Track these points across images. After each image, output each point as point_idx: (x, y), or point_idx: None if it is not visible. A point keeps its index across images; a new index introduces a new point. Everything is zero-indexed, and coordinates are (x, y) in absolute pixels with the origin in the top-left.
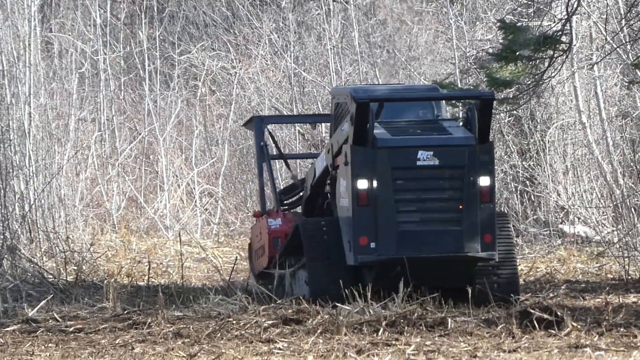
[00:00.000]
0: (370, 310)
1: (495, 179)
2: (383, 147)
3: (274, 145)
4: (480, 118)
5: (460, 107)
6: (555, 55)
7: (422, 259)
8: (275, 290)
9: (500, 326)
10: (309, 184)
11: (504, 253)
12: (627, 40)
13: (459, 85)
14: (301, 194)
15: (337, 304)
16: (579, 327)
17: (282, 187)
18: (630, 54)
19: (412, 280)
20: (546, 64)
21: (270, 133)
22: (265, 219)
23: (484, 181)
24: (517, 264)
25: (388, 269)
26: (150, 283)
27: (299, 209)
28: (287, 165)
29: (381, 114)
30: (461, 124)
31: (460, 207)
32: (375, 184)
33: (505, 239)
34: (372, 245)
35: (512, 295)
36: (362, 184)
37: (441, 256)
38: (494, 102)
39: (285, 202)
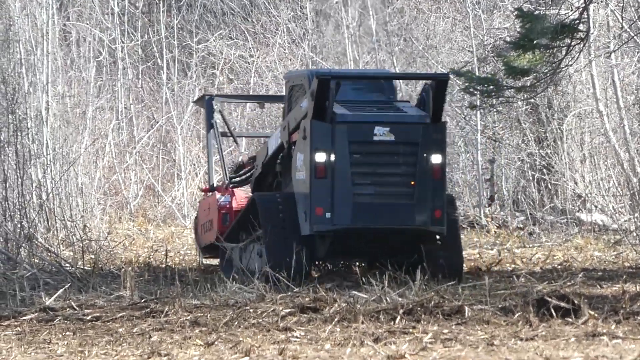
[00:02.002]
0: (387, 298)
1: (447, 157)
2: (341, 122)
3: (223, 122)
4: (435, 98)
5: (479, 96)
6: (572, 43)
7: (375, 230)
8: (223, 264)
9: (518, 314)
10: (260, 162)
11: (449, 230)
12: None
13: (477, 74)
14: (249, 174)
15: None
16: (596, 315)
17: (230, 165)
18: None
19: (364, 252)
20: (563, 53)
21: (220, 111)
22: (215, 195)
23: (436, 159)
24: (462, 244)
25: (342, 239)
26: (167, 271)
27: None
28: (236, 142)
29: (338, 92)
30: (414, 104)
31: (412, 183)
32: (332, 157)
33: (450, 217)
34: (328, 215)
35: (456, 273)
36: (320, 156)
37: (393, 228)
38: (448, 82)
39: (233, 180)
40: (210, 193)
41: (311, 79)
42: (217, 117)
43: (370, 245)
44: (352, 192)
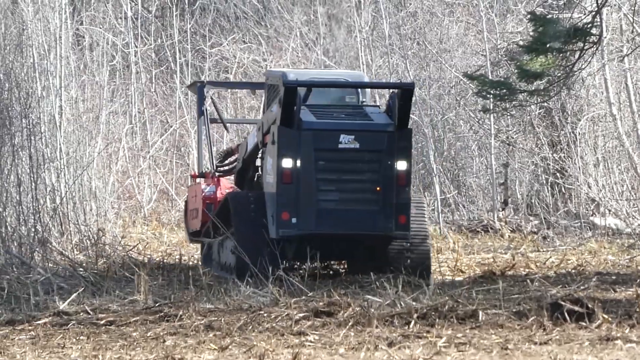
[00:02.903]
0: (401, 303)
1: (412, 163)
2: (308, 130)
3: (214, 109)
4: (400, 106)
5: (492, 100)
6: (585, 47)
7: (338, 236)
8: (204, 257)
9: (531, 318)
10: (241, 157)
11: (417, 234)
12: None
13: (490, 77)
14: (235, 163)
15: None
16: (610, 319)
17: (220, 151)
18: None
19: (329, 255)
20: (576, 56)
21: (211, 98)
22: (201, 183)
23: (401, 165)
24: (430, 244)
25: (307, 243)
26: (181, 276)
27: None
28: (226, 128)
29: (308, 97)
30: (384, 110)
31: (378, 189)
32: (299, 163)
33: (419, 222)
34: (294, 220)
35: (424, 272)
36: (287, 162)
37: (357, 234)
38: (413, 91)
39: (219, 168)
40: (199, 180)
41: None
42: (207, 103)
43: (337, 248)
44: (317, 199)
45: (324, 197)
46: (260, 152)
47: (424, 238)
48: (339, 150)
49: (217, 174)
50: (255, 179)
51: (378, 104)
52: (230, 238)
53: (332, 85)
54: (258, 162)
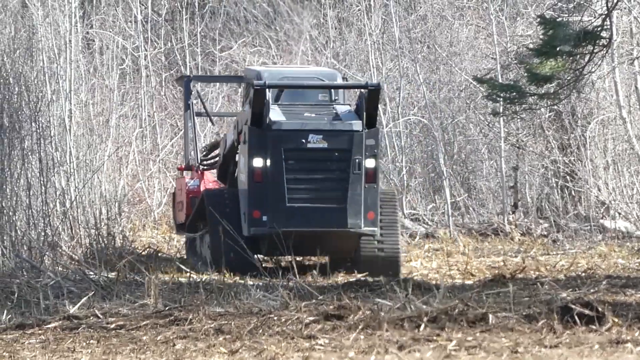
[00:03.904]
0: (412, 306)
1: (380, 161)
2: (277, 130)
3: (200, 103)
4: (368, 106)
5: (501, 103)
6: (595, 50)
7: (308, 233)
8: (187, 249)
9: (542, 322)
10: (221, 152)
11: (387, 229)
12: None
13: (500, 81)
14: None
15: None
16: (620, 322)
17: (206, 144)
18: None
19: (302, 251)
20: (586, 59)
21: (197, 92)
22: (186, 177)
23: (369, 163)
24: (400, 239)
25: (278, 240)
26: (191, 279)
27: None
28: (212, 121)
29: (281, 96)
30: (354, 109)
31: (346, 187)
32: (268, 162)
33: (389, 216)
34: (264, 218)
35: (393, 268)
36: (258, 162)
37: (326, 231)
38: (380, 91)
39: (204, 162)
40: (186, 172)
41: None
42: (194, 97)
43: (308, 245)
44: (287, 197)
45: (294, 195)
46: (237, 149)
47: (394, 233)
48: (307, 150)
49: (201, 167)
50: (236, 174)
51: (349, 102)
52: (208, 233)
53: (301, 86)
54: (237, 158)
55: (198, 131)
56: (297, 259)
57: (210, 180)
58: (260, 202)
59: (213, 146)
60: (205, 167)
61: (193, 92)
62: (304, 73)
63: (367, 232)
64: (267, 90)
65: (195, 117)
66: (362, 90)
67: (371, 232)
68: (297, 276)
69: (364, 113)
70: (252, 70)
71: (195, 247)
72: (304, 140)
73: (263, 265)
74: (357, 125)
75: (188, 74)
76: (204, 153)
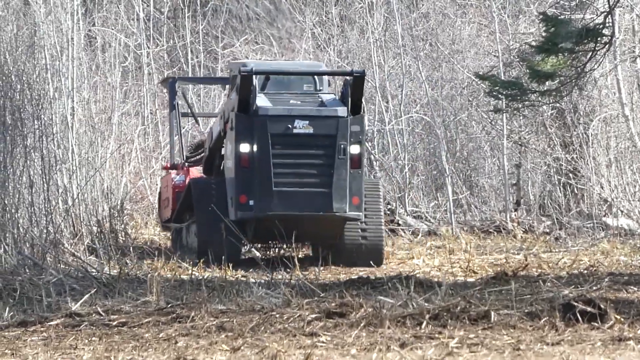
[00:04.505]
0: (413, 304)
1: (365, 147)
2: (263, 115)
3: (185, 103)
4: (353, 93)
5: (503, 100)
6: (597, 48)
7: (294, 217)
8: (173, 242)
9: (544, 319)
10: (207, 145)
11: (371, 217)
12: None
13: (502, 78)
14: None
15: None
16: (622, 319)
17: (192, 143)
18: None
19: (288, 236)
20: (588, 57)
21: (182, 92)
22: (171, 173)
23: (354, 149)
24: (383, 227)
25: (264, 224)
26: (193, 276)
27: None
28: (197, 121)
29: (267, 85)
30: (339, 97)
31: (331, 172)
32: (255, 148)
33: (373, 205)
34: (251, 203)
35: (376, 256)
36: (244, 147)
37: (312, 215)
38: (364, 78)
39: (190, 159)
40: (171, 170)
41: None
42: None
43: (294, 230)
44: (272, 182)
45: (280, 180)
46: (223, 140)
47: (378, 221)
48: (293, 135)
49: (187, 164)
50: (222, 167)
51: (334, 91)
52: (195, 223)
53: (287, 73)
54: (223, 151)
55: (186, 130)
56: (287, 252)
57: (196, 175)
58: (247, 186)
59: (199, 145)
60: (190, 164)
61: (178, 93)
62: (289, 65)
63: (352, 217)
64: (253, 76)
65: (181, 118)
66: (348, 77)
67: (356, 217)
68: (300, 273)
69: (349, 99)
70: (237, 63)
71: (182, 239)
72: (290, 126)
73: (262, 265)
74: (342, 111)
75: (172, 75)
76: (191, 151)
